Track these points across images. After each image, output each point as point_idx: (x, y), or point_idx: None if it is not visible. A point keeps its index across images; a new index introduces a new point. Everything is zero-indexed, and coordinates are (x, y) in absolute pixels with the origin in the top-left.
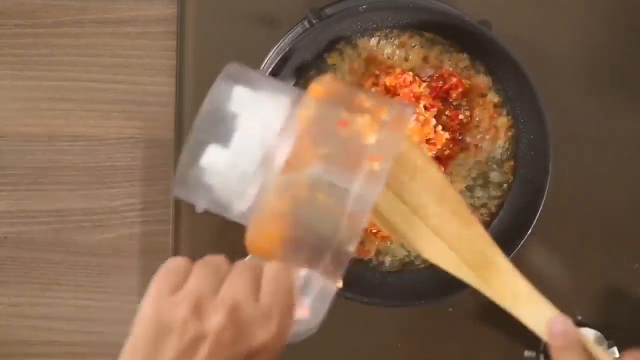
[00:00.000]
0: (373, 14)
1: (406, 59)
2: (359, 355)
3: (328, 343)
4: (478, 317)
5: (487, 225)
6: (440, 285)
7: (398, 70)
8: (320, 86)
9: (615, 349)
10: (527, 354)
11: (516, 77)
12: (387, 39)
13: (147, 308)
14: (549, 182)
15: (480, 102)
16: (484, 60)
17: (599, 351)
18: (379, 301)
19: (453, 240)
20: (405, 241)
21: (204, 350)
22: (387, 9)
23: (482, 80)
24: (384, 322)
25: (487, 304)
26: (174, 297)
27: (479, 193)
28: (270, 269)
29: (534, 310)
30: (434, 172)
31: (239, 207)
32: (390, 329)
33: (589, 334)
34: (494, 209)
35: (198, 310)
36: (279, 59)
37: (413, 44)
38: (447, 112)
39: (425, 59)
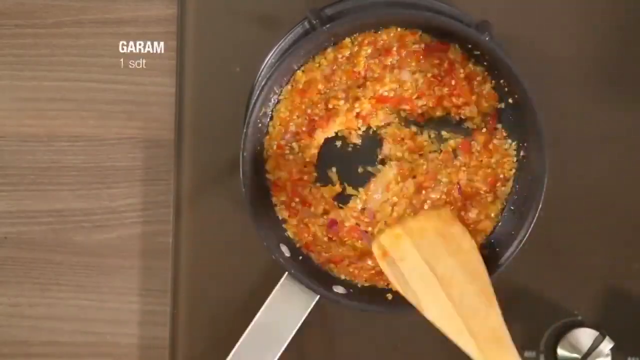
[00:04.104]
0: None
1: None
2: (358, 357)
3: (327, 346)
4: None
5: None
6: None
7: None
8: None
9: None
10: (527, 354)
11: (509, 75)
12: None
13: None
14: (546, 182)
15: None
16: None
17: None
18: (382, 309)
19: (468, 311)
20: (411, 297)
21: None
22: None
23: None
24: (383, 323)
25: None
26: None
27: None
28: None
29: None
30: (475, 257)
31: None
32: (390, 330)
33: (589, 334)
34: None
35: None
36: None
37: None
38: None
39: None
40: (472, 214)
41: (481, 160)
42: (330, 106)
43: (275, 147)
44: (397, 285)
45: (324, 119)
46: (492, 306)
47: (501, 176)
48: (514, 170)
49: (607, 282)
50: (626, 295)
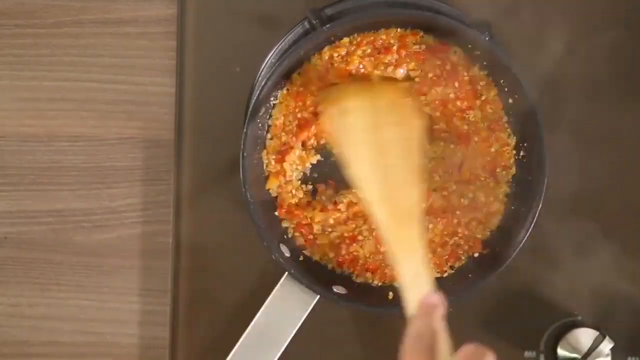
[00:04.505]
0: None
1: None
2: (358, 357)
3: (327, 346)
4: (478, 317)
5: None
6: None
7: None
8: None
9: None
10: (527, 354)
11: (511, 77)
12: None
13: None
14: (546, 182)
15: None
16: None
17: (443, 346)
18: (381, 309)
19: (393, 182)
20: (344, 149)
21: None
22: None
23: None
24: (383, 323)
25: (488, 305)
26: None
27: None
28: None
29: (415, 275)
30: (419, 138)
31: None
32: (390, 330)
33: (589, 334)
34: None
35: None
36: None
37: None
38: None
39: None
40: (482, 198)
41: (481, 149)
42: (318, 110)
43: (273, 162)
44: (334, 134)
45: (310, 121)
46: (416, 185)
47: (502, 164)
48: (513, 159)
49: (607, 282)
50: (626, 295)
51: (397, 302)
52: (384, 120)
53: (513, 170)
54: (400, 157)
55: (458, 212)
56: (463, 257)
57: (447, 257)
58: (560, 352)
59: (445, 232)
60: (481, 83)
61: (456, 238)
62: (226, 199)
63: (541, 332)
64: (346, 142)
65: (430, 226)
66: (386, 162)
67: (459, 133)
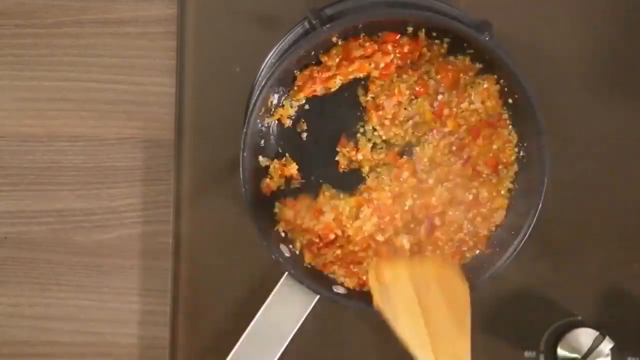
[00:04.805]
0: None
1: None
2: (358, 357)
3: (327, 346)
4: (478, 317)
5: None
6: None
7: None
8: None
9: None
10: (527, 354)
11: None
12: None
13: None
14: (546, 182)
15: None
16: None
17: None
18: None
19: (439, 335)
20: (388, 313)
21: None
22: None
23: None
24: (383, 323)
25: (488, 305)
26: None
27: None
28: None
29: None
30: (465, 298)
31: None
32: (389, 330)
33: (589, 334)
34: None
35: None
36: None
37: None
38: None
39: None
40: (484, 193)
41: (483, 146)
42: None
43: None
44: (377, 299)
45: None
46: (463, 335)
47: (504, 160)
48: (514, 156)
49: (607, 282)
50: (626, 295)
51: None
52: (426, 289)
53: (515, 168)
54: (445, 315)
55: (462, 207)
56: (467, 255)
57: (452, 254)
58: (560, 352)
59: (451, 229)
60: (469, 73)
61: (461, 234)
62: (226, 199)
63: (541, 332)
64: (387, 305)
65: (438, 222)
66: (430, 320)
67: (470, 127)
